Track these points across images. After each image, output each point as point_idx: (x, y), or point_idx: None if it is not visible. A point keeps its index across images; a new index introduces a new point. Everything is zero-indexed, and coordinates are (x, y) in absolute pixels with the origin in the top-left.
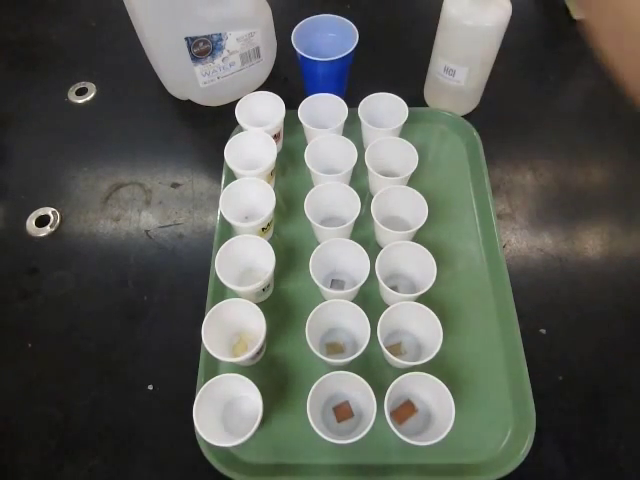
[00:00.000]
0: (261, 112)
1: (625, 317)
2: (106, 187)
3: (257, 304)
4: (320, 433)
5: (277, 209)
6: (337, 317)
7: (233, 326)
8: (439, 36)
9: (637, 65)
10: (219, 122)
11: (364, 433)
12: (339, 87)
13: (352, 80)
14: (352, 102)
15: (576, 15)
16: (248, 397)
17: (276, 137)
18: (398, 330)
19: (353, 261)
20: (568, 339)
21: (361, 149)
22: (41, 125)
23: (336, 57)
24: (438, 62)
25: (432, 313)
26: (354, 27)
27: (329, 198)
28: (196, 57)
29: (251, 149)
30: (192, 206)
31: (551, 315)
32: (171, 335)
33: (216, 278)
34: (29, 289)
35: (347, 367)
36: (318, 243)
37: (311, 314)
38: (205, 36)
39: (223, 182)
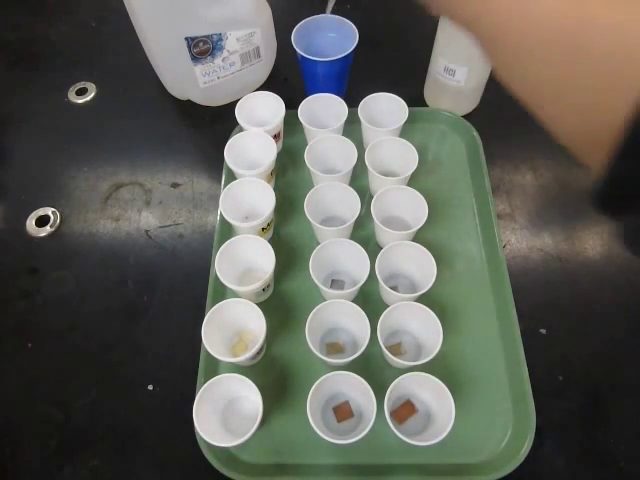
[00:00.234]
0: (261, 112)
1: (625, 317)
2: (106, 187)
3: (257, 304)
4: (320, 433)
5: (277, 209)
6: (337, 317)
7: (233, 326)
8: (439, 36)
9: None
10: (219, 122)
11: (364, 433)
12: (339, 87)
13: (352, 80)
14: (352, 102)
15: None
16: (248, 397)
17: (276, 137)
18: (398, 330)
19: (353, 261)
20: (568, 339)
21: (361, 149)
22: (41, 125)
23: (336, 57)
24: (438, 62)
25: (432, 313)
26: (354, 27)
27: (329, 198)
28: (196, 57)
29: (251, 149)
30: (192, 206)
31: (551, 315)
32: (171, 335)
33: (216, 278)
34: (29, 289)
35: (347, 367)
36: (318, 243)
37: (311, 314)
38: (205, 36)
39: (223, 182)
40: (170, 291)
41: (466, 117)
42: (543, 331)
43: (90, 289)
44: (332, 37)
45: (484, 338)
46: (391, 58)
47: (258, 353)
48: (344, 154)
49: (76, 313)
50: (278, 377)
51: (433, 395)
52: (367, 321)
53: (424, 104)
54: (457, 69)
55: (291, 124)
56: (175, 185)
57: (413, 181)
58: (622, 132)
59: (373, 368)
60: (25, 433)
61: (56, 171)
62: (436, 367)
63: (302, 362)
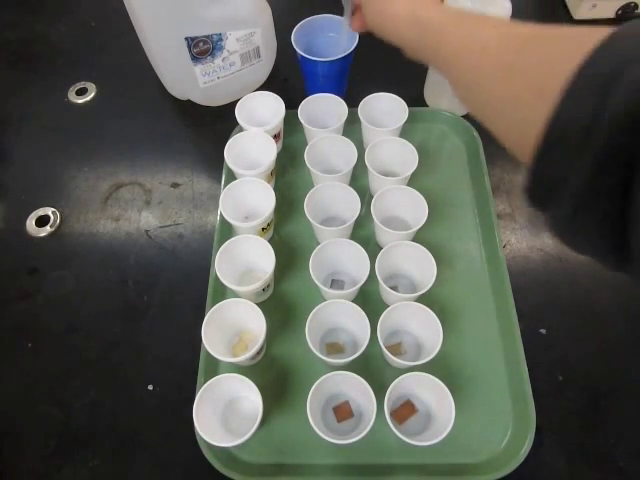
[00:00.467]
0: (261, 112)
1: (625, 317)
2: (106, 187)
3: (257, 304)
4: (320, 433)
5: (277, 209)
6: (337, 317)
7: (233, 326)
8: None
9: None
10: (219, 122)
11: (364, 433)
12: (339, 87)
13: (352, 80)
14: (352, 102)
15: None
16: (248, 397)
17: (276, 137)
18: (398, 330)
19: (353, 261)
20: (568, 339)
21: (361, 149)
22: (41, 125)
23: (336, 57)
24: None
25: (432, 313)
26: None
27: (329, 198)
28: (196, 57)
29: (251, 149)
30: (192, 206)
31: (551, 315)
32: (171, 335)
33: (216, 278)
34: (29, 289)
35: (347, 367)
36: (318, 243)
37: (311, 314)
38: (205, 36)
39: (223, 182)
40: (170, 291)
41: (466, 117)
42: (543, 331)
43: (90, 289)
44: (332, 37)
45: (484, 338)
46: (391, 58)
47: (258, 353)
48: (344, 154)
49: (76, 313)
50: (278, 377)
51: (433, 395)
52: (367, 321)
53: (424, 104)
54: None
55: (291, 124)
56: (175, 185)
57: (413, 181)
58: (540, 136)
59: (373, 368)
60: (25, 433)
61: (56, 171)
62: (436, 367)
63: (302, 362)
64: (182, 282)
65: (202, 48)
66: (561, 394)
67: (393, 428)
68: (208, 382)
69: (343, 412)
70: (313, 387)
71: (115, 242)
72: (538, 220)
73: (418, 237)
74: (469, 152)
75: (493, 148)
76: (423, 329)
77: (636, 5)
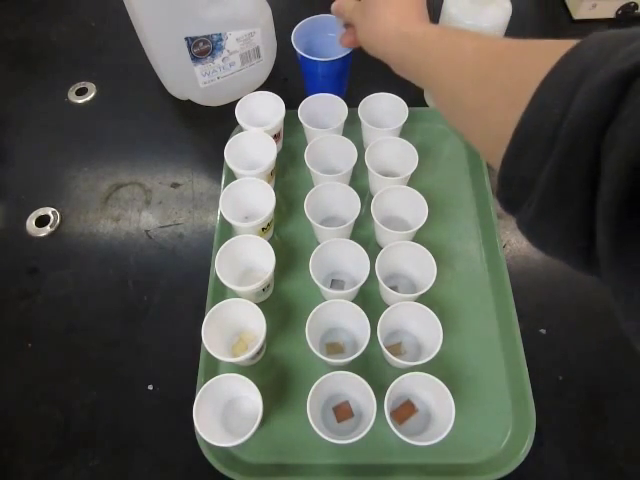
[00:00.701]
0: (261, 112)
1: None
2: (106, 187)
3: (257, 304)
4: (320, 433)
5: (277, 209)
6: (337, 317)
7: (233, 326)
8: None
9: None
10: (219, 122)
11: (364, 433)
12: (339, 87)
13: (352, 80)
14: (352, 102)
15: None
16: (248, 397)
17: (276, 137)
18: (398, 330)
19: (353, 261)
20: (568, 339)
21: (361, 149)
22: (41, 125)
23: (336, 57)
24: None
25: (432, 313)
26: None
27: (329, 198)
28: (196, 57)
29: (251, 149)
30: (192, 206)
31: (551, 315)
32: (171, 335)
33: (216, 278)
34: (29, 289)
35: (347, 367)
36: (318, 243)
37: (311, 314)
38: (205, 36)
39: (223, 182)
40: (170, 291)
41: None
42: (543, 331)
43: (90, 289)
44: (332, 37)
45: (484, 338)
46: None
47: (258, 353)
48: (344, 154)
49: (76, 313)
50: (278, 377)
51: (433, 395)
52: (367, 321)
53: (424, 104)
54: None
55: (291, 124)
56: (175, 185)
57: (413, 181)
58: (509, 141)
59: (373, 368)
60: (25, 433)
61: (56, 171)
62: (436, 367)
63: (302, 362)
64: (182, 282)
65: (202, 48)
66: (561, 394)
67: (393, 428)
68: (208, 382)
69: (343, 412)
70: (313, 387)
71: (115, 242)
72: None
73: (418, 237)
74: (469, 152)
75: None
76: (423, 329)
77: (636, 5)
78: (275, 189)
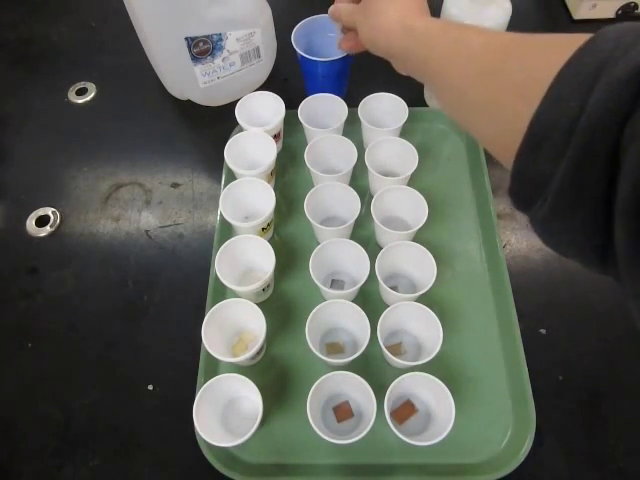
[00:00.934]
0: (261, 112)
1: (625, 317)
2: (106, 187)
3: (257, 304)
4: (320, 433)
5: (277, 209)
6: (337, 317)
7: (233, 326)
8: None
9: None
10: (219, 122)
11: (364, 433)
12: (339, 87)
13: (352, 80)
14: (352, 102)
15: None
16: (248, 397)
17: (276, 137)
18: (398, 330)
19: (353, 261)
20: (568, 339)
21: (361, 149)
22: (41, 125)
23: (336, 57)
24: None
25: (432, 313)
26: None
27: (329, 198)
28: (196, 57)
29: (251, 149)
30: (192, 206)
31: (551, 315)
32: (171, 335)
33: (216, 278)
34: (29, 289)
35: (347, 367)
36: (318, 243)
37: (311, 314)
38: (205, 36)
39: (223, 182)
40: (170, 291)
41: None
42: (543, 331)
43: (90, 289)
44: (332, 37)
45: (484, 338)
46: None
47: (258, 353)
48: (344, 154)
49: (76, 313)
50: (278, 377)
51: (433, 395)
52: (367, 321)
53: (424, 104)
54: None
55: (291, 124)
56: (175, 185)
57: (413, 181)
58: (523, 137)
59: (373, 368)
60: (25, 433)
61: (56, 171)
62: (436, 367)
63: (302, 362)
64: (182, 282)
65: (202, 48)
66: (561, 394)
67: (393, 428)
68: (208, 382)
69: (343, 412)
70: (313, 387)
71: (115, 242)
72: None
73: (418, 237)
74: (469, 152)
75: None
76: (423, 329)
77: (636, 5)
78: (275, 189)
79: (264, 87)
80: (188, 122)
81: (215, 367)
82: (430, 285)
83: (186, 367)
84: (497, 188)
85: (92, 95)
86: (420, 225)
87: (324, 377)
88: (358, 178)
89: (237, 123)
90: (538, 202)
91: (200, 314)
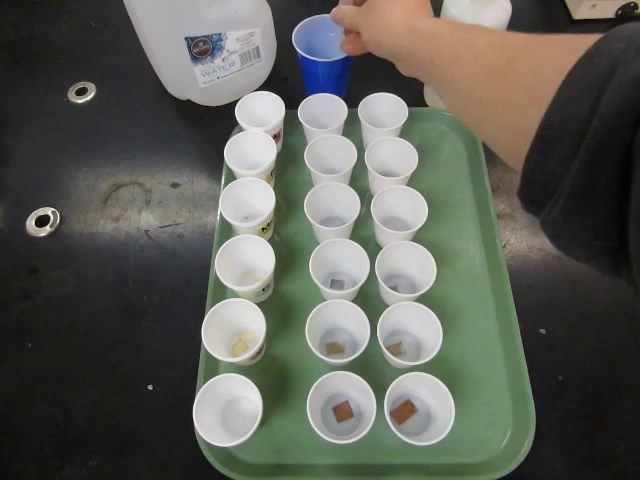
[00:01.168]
0: (261, 112)
1: (625, 317)
2: (106, 187)
3: (257, 304)
4: (320, 433)
5: (277, 209)
6: (337, 317)
7: (233, 326)
8: None
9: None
10: (219, 122)
11: (364, 433)
12: (339, 87)
13: (352, 80)
14: (352, 102)
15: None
16: (248, 397)
17: (276, 137)
18: (398, 330)
19: (353, 261)
20: (568, 339)
21: (361, 149)
22: (41, 125)
23: (337, 58)
24: None
25: (432, 313)
26: None
27: (329, 198)
28: (196, 57)
29: (251, 149)
30: (192, 206)
31: (551, 315)
32: (171, 335)
33: (216, 278)
34: (29, 289)
35: (347, 367)
36: (318, 243)
37: (311, 314)
38: (205, 36)
39: (223, 182)
40: (170, 291)
41: None
42: (543, 331)
43: (90, 289)
44: (332, 37)
45: (484, 338)
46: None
47: (258, 353)
48: (344, 154)
49: (76, 313)
50: (278, 377)
51: (433, 395)
52: (367, 321)
53: (424, 104)
54: None
55: (291, 124)
56: (175, 185)
57: (413, 181)
58: (534, 137)
59: (373, 368)
60: (25, 433)
61: (56, 171)
62: (436, 367)
63: (302, 362)
64: (182, 282)
65: (202, 48)
66: (561, 394)
67: (393, 428)
68: (208, 382)
69: (343, 412)
70: (313, 387)
71: (115, 242)
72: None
73: (418, 237)
74: (469, 152)
75: None
76: (423, 329)
77: (636, 5)
78: (275, 189)
79: (264, 87)
80: (188, 122)
81: (215, 367)
82: (430, 285)
83: (186, 367)
84: (497, 188)
85: (92, 95)
86: (420, 225)
87: (324, 377)
88: (358, 178)
89: (237, 123)
90: (548, 204)
91: (200, 314)
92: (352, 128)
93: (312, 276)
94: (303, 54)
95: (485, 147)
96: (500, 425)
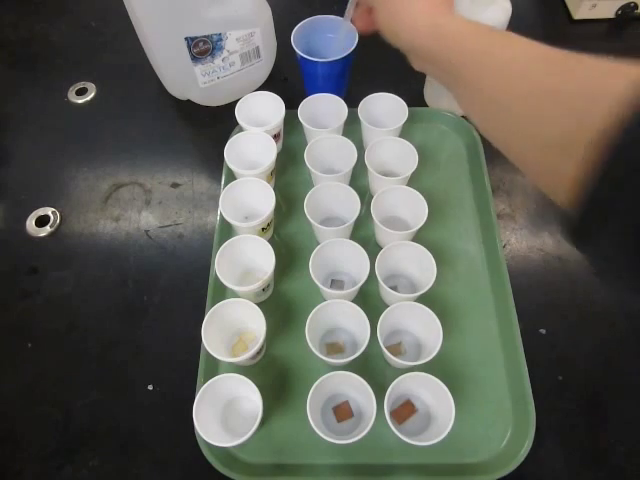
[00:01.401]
0: (261, 112)
1: (625, 317)
2: (106, 187)
3: (257, 304)
4: (320, 433)
5: (277, 209)
6: (337, 317)
7: (233, 326)
8: None
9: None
10: (219, 122)
11: (364, 433)
12: (339, 87)
13: (352, 80)
14: (352, 102)
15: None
16: (248, 397)
17: (276, 137)
18: (398, 330)
19: (353, 261)
20: (568, 339)
21: (361, 149)
22: (41, 125)
23: (336, 58)
24: None
25: (432, 313)
26: (354, 27)
27: (329, 198)
28: (196, 57)
29: (251, 149)
30: (192, 206)
31: (551, 315)
32: (171, 335)
33: (216, 278)
34: (29, 289)
35: (347, 367)
36: (318, 243)
37: (311, 314)
38: (205, 36)
39: (223, 182)
40: (170, 291)
41: (466, 117)
42: (543, 331)
43: (90, 289)
44: (332, 37)
45: (484, 338)
46: (391, 58)
47: (258, 353)
48: (344, 154)
49: (76, 313)
50: (278, 377)
51: (433, 395)
52: (367, 321)
53: (424, 104)
54: None
55: (291, 124)
56: (175, 185)
57: (413, 181)
58: (593, 165)
59: (373, 368)
60: (25, 433)
61: (56, 171)
62: (436, 367)
63: (302, 362)
64: (182, 282)
65: (202, 48)
66: (561, 394)
67: (393, 428)
68: (208, 382)
69: (343, 412)
70: (313, 387)
71: (115, 242)
72: (538, 220)
73: (418, 237)
74: (469, 152)
75: (493, 148)
76: (423, 329)
77: (636, 5)
78: (275, 189)
79: (264, 87)
80: (188, 122)
81: (215, 367)
82: (430, 285)
83: (186, 367)
84: (497, 188)
85: (92, 95)
86: (420, 225)
87: (324, 377)
88: (358, 178)
89: (237, 123)
90: (602, 235)
91: (200, 314)
92: (352, 128)
93: (312, 276)
94: (302, 54)
95: (485, 147)
96: (500, 425)
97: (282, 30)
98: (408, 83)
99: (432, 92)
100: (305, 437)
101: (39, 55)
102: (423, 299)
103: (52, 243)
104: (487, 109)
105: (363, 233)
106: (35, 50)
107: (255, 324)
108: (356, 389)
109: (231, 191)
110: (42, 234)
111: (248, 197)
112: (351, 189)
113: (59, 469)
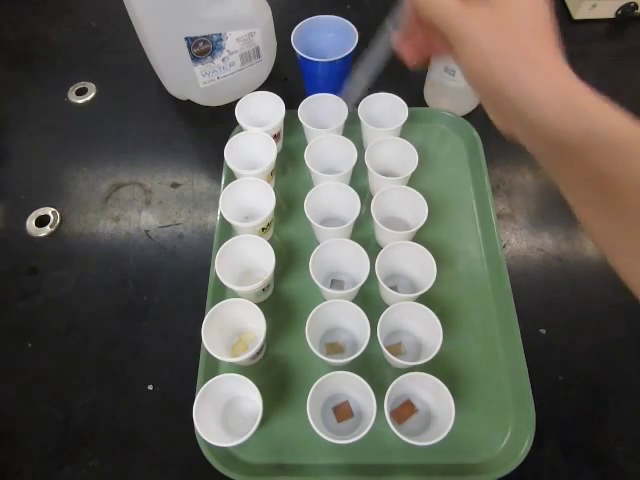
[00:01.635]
0: (261, 112)
1: (625, 317)
2: (106, 187)
3: (257, 304)
4: (320, 433)
5: (277, 209)
6: (337, 317)
7: (233, 326)
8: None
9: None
10: (219, 122)
11: (364, 433)
12: (339, 87)
13: None
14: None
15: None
16: (248, 397)
17: (276, 137)
18: (398, 330)
19: (353, 261)
20: (568, 339)
21: (361, 149)
22: (41, 125)
23: (336, 58)
24: (438, 62)
25: (432, 313)
26: (354, 27)
27: (329, 198)
28: (196, 57)
29: (251, 149)
30: (192, 206)
31: (551, 315)
32: (171, 335)
33: (216, 278)
34: (29, 289)
35: (347, 367)
36: (318, 243)
37: (311, 314)
38: (205, 36)
39: (223, 182)
40: (170, 291)
41: (466, 117)
42: (543, 331)
43: (90, 289)
44: (332, 37)
45: (484, 338)
46: (391, 58)
47: (258, 353)
48: (344, 154)
49: (76, 313)
50: (278, 377)
51: (433, 395)
52: (367, 321)
53: (424, 104)
54: (457, 69)
55: (291, 124)
56: (175, 185)
57: (413, 181)
58: None
59: (373, 368)
60: (25, 433)
61: (56, 171)
62: (436, 367)
63: (302, 362)
64: (182, 282)
65: (202, 48)
66: (561, 394)
67: (393, 428)
68: (208, 382)
69: (343, 412)
70: (313, 387)
71: (115, 242)
72: (538, 220)
73: (418, 237)
74: (469, 152)
75: (493, 148)
76: (423, 329)
77: (636, 5)
78: (275, 189)
79: (264, 87)
80: (188, 122)
81: (215, 367)
82: (430, 285)
83: (186, 367)
84: (497, 188)
85: (92, 95)
86: (420, 225)
87: (324, 377)
88: (358, 178)
89: (237, 123)
90: None
91: (200, 314)
92: (352, 128)
93: (312, 276)
94: (302, 54)
95: (485, 147)
96: (500, 425)
97: (282, 30)
98: (408, 83)
99: (432, 92)
100: (305, 437)
101: (39, 55)
102: (423, 299)
103: (52, 243)
104: (621, 220)
105: (363, 233)
106: (35, 50)
107: (255, 324)
108: (356, 389)
109: (231, 191)
110: (42, 234)
111: (248, 197)
112: (351, 189)
113: (59, 469)
